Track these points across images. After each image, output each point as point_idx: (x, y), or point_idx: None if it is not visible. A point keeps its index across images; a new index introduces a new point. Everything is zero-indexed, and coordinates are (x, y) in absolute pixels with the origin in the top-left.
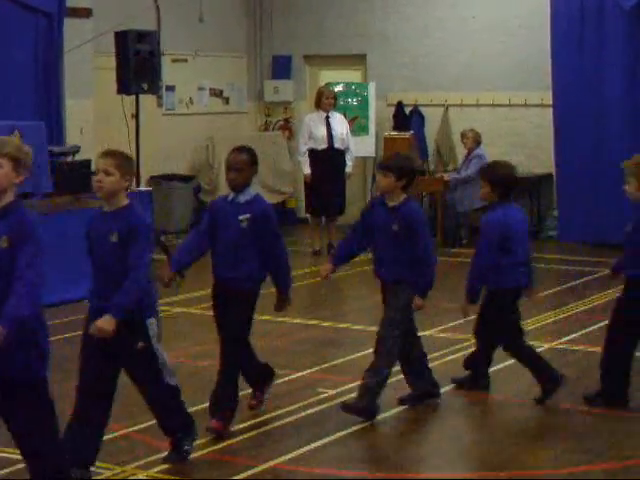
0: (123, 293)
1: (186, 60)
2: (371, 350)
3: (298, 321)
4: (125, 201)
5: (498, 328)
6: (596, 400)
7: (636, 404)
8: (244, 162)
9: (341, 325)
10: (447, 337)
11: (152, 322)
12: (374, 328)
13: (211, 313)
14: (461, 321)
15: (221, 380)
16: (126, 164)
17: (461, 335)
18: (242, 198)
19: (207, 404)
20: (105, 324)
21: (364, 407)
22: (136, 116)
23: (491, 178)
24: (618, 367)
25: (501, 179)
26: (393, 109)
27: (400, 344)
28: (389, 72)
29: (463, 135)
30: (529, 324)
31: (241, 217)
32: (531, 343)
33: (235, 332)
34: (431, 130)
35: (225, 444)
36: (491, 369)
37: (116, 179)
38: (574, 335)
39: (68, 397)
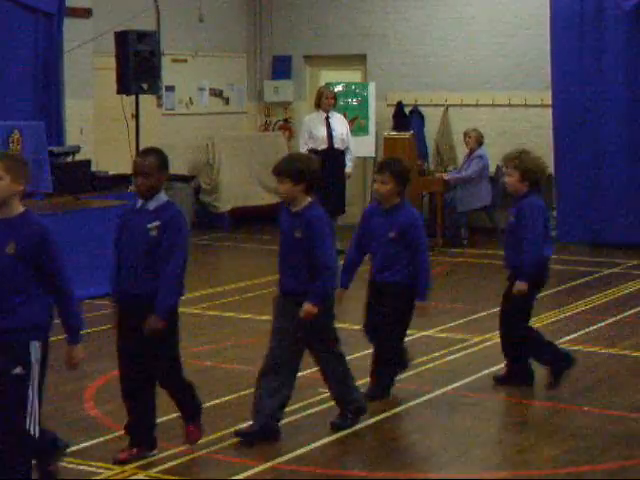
0: (69, 307)
1: (186, 60)
2: (372, 350)
3: None
4: (20, 208)
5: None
6: (505, 380)
7: (636, 404)
8: (151, 166)
9: (341, 325)
10: (447, 337)
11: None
12: None
13: (213, 313)
14: (461, 321)
15: (178, 397)
16: (17, 167)
17: (461, 335)
18: (151, 205)
19: (209, 403)
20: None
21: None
22: (136, 116)
23: (397, 174)
24: (520, 348)
25: (406, 177)
26: (393, 109)
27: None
28: (389, 72)
29: (466, 135)
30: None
31: (150, 225)
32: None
33: (172, 353)
34: (431, 130)
35: (225, 444)
36: (490, 369)
37: (6, 184)
38: (574, 335)
39: None
